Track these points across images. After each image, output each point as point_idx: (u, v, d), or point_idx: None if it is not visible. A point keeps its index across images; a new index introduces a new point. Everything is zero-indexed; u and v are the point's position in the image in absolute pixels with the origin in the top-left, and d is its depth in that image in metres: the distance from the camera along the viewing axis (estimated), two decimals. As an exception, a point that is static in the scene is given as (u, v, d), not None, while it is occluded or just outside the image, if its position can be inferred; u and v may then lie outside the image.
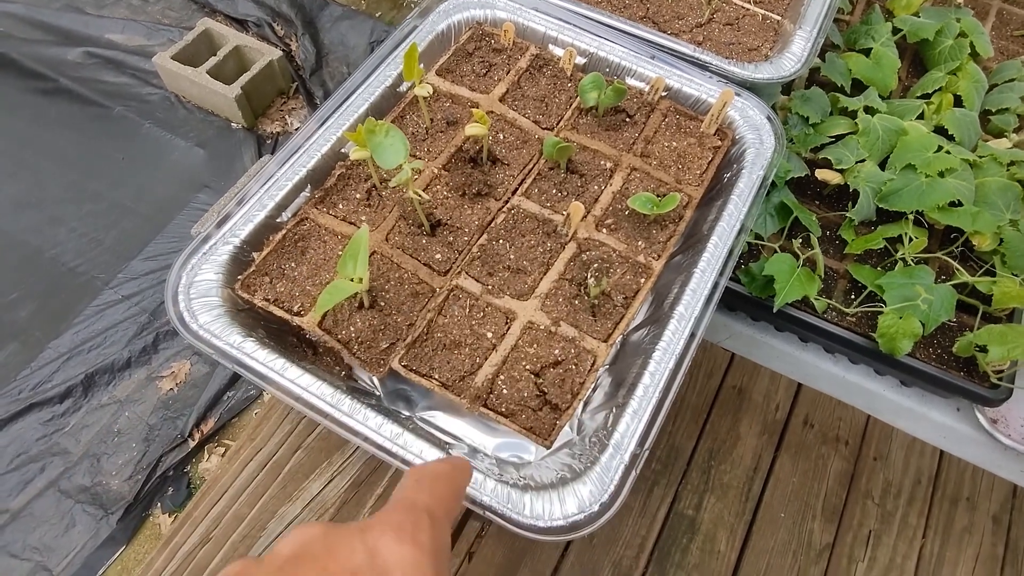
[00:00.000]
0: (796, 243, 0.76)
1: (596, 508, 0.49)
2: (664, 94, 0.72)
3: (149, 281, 1.63)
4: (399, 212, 0.63)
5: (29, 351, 1.52)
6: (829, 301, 0.73)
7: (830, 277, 0.77)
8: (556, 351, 0.57)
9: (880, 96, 0.84)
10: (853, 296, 0.75)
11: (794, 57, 0.73)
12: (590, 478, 0.50)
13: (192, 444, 1.45)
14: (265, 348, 0.54)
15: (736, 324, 0.83)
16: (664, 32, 0.76)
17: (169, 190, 1.76)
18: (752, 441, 1.22)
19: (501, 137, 0.68)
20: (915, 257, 0.74)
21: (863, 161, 0.77)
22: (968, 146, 0.80)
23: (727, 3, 0.81)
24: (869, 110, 0.81)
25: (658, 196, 0.62)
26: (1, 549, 1.31)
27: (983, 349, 0.68)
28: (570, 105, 0.71)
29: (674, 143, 0.69)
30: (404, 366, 0.55)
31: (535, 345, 0.57)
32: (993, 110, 0.86)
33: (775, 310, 0.71)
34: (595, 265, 0.61)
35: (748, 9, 0.81)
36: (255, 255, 0.60)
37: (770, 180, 0.65)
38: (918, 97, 0.86)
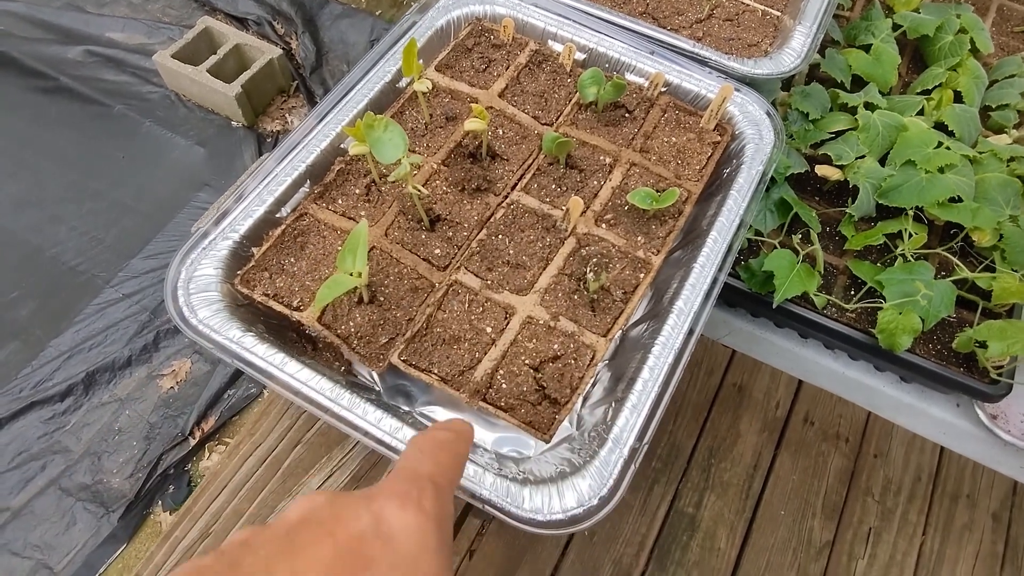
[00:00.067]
0: (796, 239, 0.76)
1: (595, 502, 0.49)
2: (663, 89, 0.72)
3: (150, 280, 1.63)
4: (398, 207, 0.63)
5: (30, 350, 1.52)
6: (829, 297, 0.73)
7: (830, 273, 0.76)
8: (555, 346, 0.57)
9: (880, 92, 0.84)
10: (853, 292, 0.75)
11: (794, 53, 0.73)
12: (589, 472, 0.50)
13: (193, 442, 1.46)
14: (264, 343, 0.54)
15: (736, 320, 0.82)
16: (664, 28, 0.76)
17: (169, 189, 1.76)
18: (752, 439, 1.22)
19: (500, 132, 0.68)
20: (915, 253, 0.74)
21: (863, 157, 0.77)
22: (968, 142, 0.80)
23: (727, -1, 0.81)
24: (869, 106, 0.81)
25: (657, 191, 0.62)
26: (2, 547, 1.31)
27: (983, 345, 0.68)
28: (569, 100, 0.71)
29: (673, 138, 0.69)
30: (403, 361, 0.55)
31: (534, 340, 0.57)
32: (993, 106, 0.86)
33: (775, 306, 0.71)
34: (594, 260, 0.61)
35: (748, 5, 0.81)
36: (254, 250, 0.60)
37: (769, 175, 0.65)
38: (918, 93, 0.86)
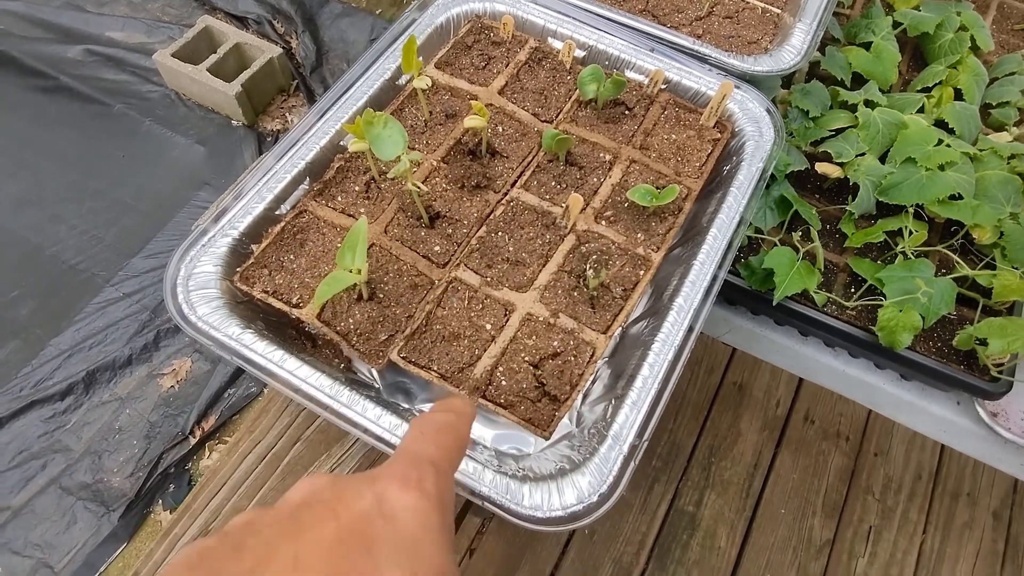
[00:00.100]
0: (796, 236, 0.75)
1: (595, 499, 0.49)
2: (663, 87, 0.72)
3: (150, 279, 1.63)
4: (398, 204, 0.63)
5: (30, 349, 1.52)
6: (829, 295, 0.73)
7: (830, 271, 0.76)
8: (555, 343, 0.57)
9: (880, 90, 0.84)
10: (853, 289, 0.75)
11: (794, 50, 0.73)
12: (589, 469, 0.50)
13: (193, 441, 1.45)
14: (264, 340, 0.54)
15: (736, 318, 0.82)
16: (663, 25, 0.76)
17: (170, 188, 1.76)
18: (753, 437, 1.22)
19: (500, 129, 0.68)
20: (915, 250, 0.74)
21: (863, 155, 0.77)
22: (968, 139, 0.80)
23: (727, -4, 0.81)
24: (869, 104, 0.81)
25: (657, 188, 0.62)
26: (3, 546, 1.31)
27: (983, 342, 0.68)
28: (569, 98, 0.71)
29: (673, 135, 0.69)
30: (403, 358, 0.55)
31: (534, 337, 0.57)
32: (994, 104, 0.86)
33: (775, 303, 0.71)
34: (594, 257, 0.61)
35: (748, 2, 0.81)
36: (254, 247, 0.60)
37: (769, 172, 0.65)
38: (918, 91, 0.86)
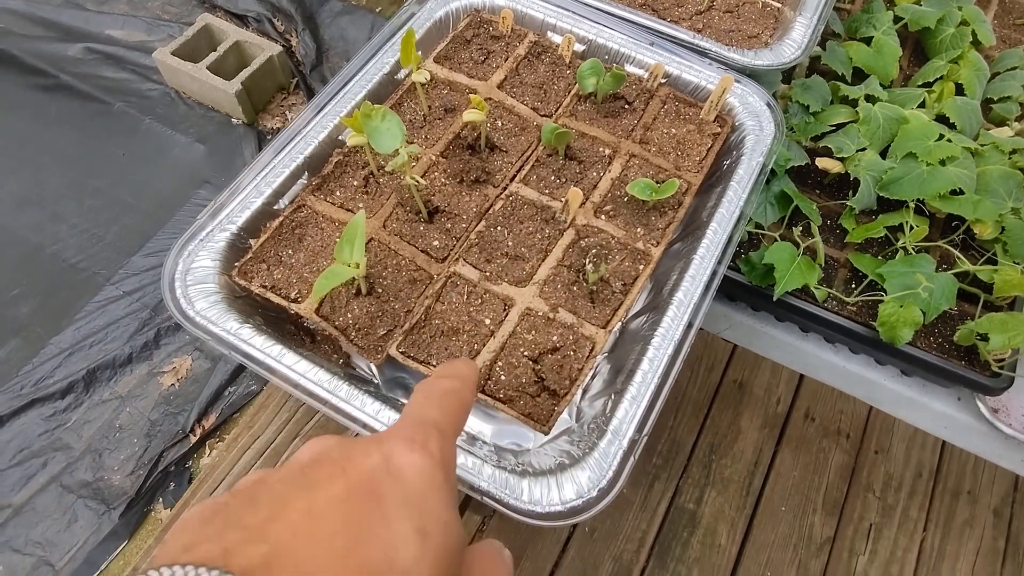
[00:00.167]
0: (796, 232, 0.75)
1: (594, 494, 0.48)
2: (663, 81, 0.71)
3: (150, 277, 1.62)
4: (397, 199, 0.62)
5: (31, 347, 1.52)
6: (829, 290, 0.73)
7: (830, 266, 0.76)
8: (554, 337, 0.57)
9: (881, 85, 0.83)
10: (854, 285, 0.75)
11: (794, 44, 0.73)
12: (588, 464, 0.50)
13: (193, 439, 1.45)
14: (262, 334, 0.54)
15: (736, 314, 0.82)
16: (663, 19, 0.76)
17: (170, 186, 1.76)
18: (753, 435, 1.22)
19: (499, 124, 0.68)
20: (916, 246, 0.73)
21: (864, 150, 0.77)
22: (970, 134, 0.79)
23: (727, -9, 0.81)
24: (870, 98, 0.81)
25: (657, 182, 0.62)
26: (4, 544, 1.31)
27: (984, 338, 0.67)
28: (568, 92, 0.70)
29: (673, 130, 0.69)
30: (402, 353, 0.55)
31: (533, 332, 0.57)
32: (995, 98, 0.85)
33: (775, 299, 0.70)
34: (593, 251, 0.60)
35: (748, -3, 0.81)
36: (252, 242, 0.60)
37: (770, 167, 0.65)
38: (919, 86, 0.86)
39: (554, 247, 0.61)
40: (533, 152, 0.67)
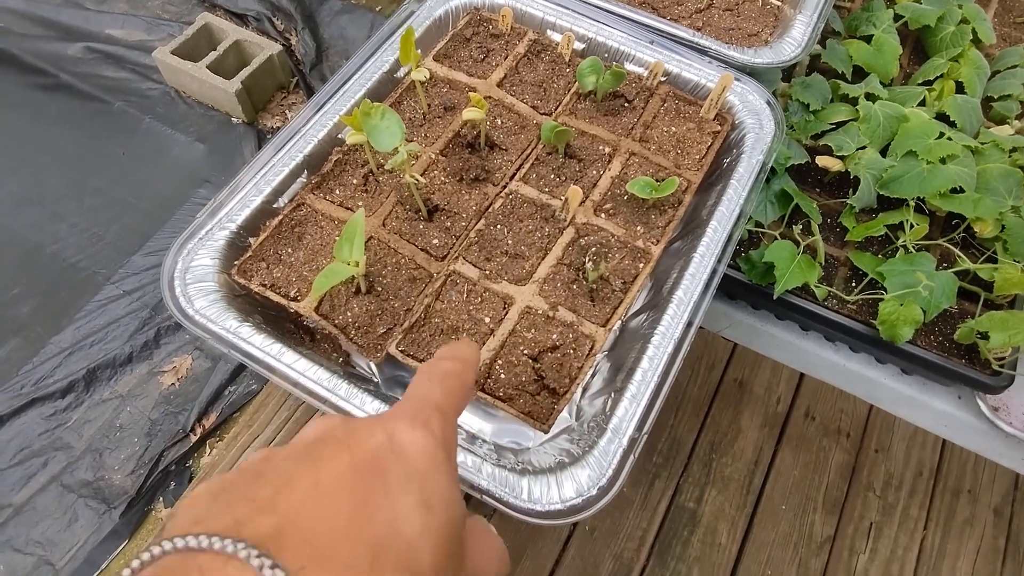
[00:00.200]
0: (796, 230, 0.75)
1: (594, 492, 0.48)
2: (663, 79, 0.71)
3: (150, 276, 1.62)
4: (396, 197, 0.62)
5: (31, 346, 1.52)
6: (830, 289, 0.73)
7: (831, 264, 0.76)
8: (554, 336, 0.57)
9: (881, 83, 0.83)
10: (854, 283, 0.75)
11: (794, 42, 0.73)
12: (588, 462, 0.50)
13: (194, 439, 1.45)
14: (262, 333, 0.54)
15: (736, 313, 0.82)
16: (663, 17, 0.76)
17: (170, 185, 1.76)
18: (753, 434, 1.22)
19: (499, 122, 0.68)
20: (916, 244, 0.73)
21: (864, 148, 0.77)
22: (970, 133, 0.79)
23: (727, -11, 0.81)
24: (870, 97, 0.81)
25: (657, 181, 0.62)
26: (4, 543, 1.31)
27: (984, 336, 0.67)
28: (568, 90, 0.70)
29: (673, 128, 0.69)
30: (401, 351, 0.55)
31: (533, 330, 0.57)
32: (995, 97, 0.85)
33: (775, 297, 0.70)
34: (593, 250, 0.60)
35: (748, -5, 0.81)
36: (251, 240, 0.60)
37: (770, 165, 0.65)
38: (920, 84, 0.86)
39: (554, 245, 0.61)
40: (533, 150, 0.66)
